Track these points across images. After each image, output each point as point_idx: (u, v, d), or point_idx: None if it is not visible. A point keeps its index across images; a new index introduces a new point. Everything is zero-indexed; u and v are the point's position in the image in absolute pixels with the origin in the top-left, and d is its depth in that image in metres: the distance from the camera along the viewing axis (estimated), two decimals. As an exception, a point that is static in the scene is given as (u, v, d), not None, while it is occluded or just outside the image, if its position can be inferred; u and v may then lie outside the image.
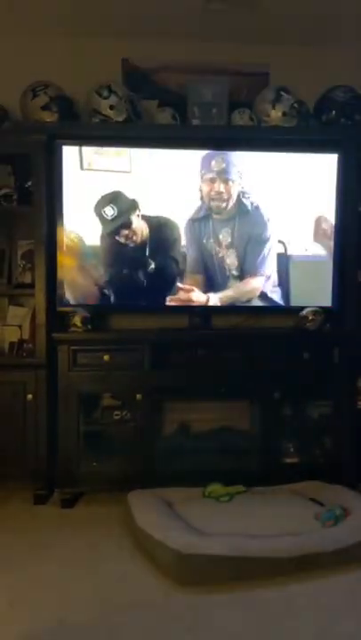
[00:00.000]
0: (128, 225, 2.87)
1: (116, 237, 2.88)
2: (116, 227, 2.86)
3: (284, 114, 2.87)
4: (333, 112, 2.92)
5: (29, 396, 2.78)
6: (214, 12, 2.75)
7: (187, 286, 2.93)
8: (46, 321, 2.81)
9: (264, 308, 3.00)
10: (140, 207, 2.87)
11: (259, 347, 2.86)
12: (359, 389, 2.94)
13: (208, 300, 2.93)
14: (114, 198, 2.85)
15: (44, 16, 2.81)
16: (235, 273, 2.93)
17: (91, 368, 2.79)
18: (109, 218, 2.85)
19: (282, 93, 2.88)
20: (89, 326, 2.81)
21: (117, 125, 2.84)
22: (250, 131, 2.93)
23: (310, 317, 2.89)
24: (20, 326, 2.98)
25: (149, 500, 2.58)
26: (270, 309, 3.02)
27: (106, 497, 2.78)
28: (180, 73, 3.08)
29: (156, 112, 2.98)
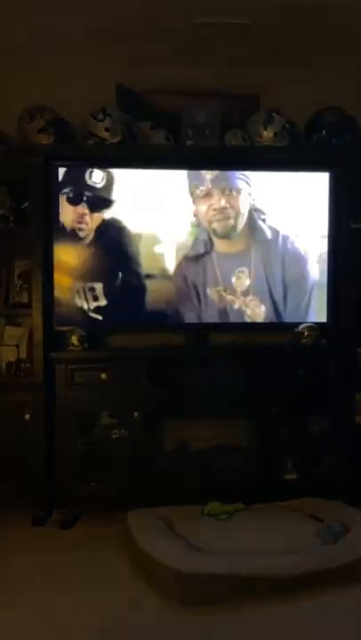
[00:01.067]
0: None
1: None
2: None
3: (275, 134, 2.93)
4: (324, 132, 2.99)
5: (27, 416, 2.78)
6: (205, 38, 2.82)
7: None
8: (43, 340, 2.81)
9: (260, 325, 3.01)
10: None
11: (255, 363, 2.87)
12: (357, 404, 2.95)
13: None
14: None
15: (39, 39, 2.85)
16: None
17: (88, 387, 2.79)
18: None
19: (273, 115, 2.95)
20: (86, 345, 2.83)
21: (114, 147, 2.88)
22: (243, 150, 2.98)
23: (306, 333, 2.90)
24: (17, 346, 2.98)
25: (149, 519, 2.57)
26: (266, 326, 3.03)
27: (105, 517, 2.75)
28: (173, 95, 3.14)
29: (151, 133, 3.04)
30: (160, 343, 2.97)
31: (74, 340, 2.82)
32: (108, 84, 3.11)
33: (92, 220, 2.86)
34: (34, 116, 2.85)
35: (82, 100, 2.92)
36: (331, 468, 2.92)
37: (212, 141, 2.97)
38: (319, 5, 2.52)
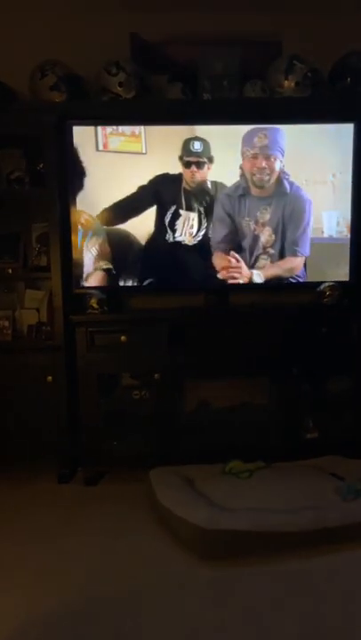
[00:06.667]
0: (202, 165, 2.88)
1: (187, 169, 2.87)
2: (192, 162, 2.86)
3: (297, 84, 2.79)
4: (348, 79, 2.83)
5: (49, 378, 2.82)
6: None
7: (237, 256, 2.92)
8: (63, 303, 2.82)
9: (282, 285, 2.97)
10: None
11: (276, 323, 2.84)
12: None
13: (252, 276, 2.94)
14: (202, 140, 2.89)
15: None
16: (271, 251, 2.91)
17: (109, 349, 2.81)
18: (194, 150, 2.86)
19: (295, 62, 2.79)
20: (105, 307, 2.83)
21: (128, 103, 2.79)
22: (263, 103, 2.86)
23: (328, 292, 2.85)
24: (37, 309, 3.00)
25: (171, 477, 2.61)
26: (288, 285, 2.98)
27: (128, 475, 2.82)
28: (189, 45, 2.99)
29: (166, 87, 2.92)
30: (180, 305, 2.95)
31: (93, 302, 2.82)
32: (122, 36, 2.98)
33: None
34: (45, 71, 2.76)
35: (95, 53, 2.81)
36: (352, 427, 2.91)
37: (230, 93, 2.84)
38: None
